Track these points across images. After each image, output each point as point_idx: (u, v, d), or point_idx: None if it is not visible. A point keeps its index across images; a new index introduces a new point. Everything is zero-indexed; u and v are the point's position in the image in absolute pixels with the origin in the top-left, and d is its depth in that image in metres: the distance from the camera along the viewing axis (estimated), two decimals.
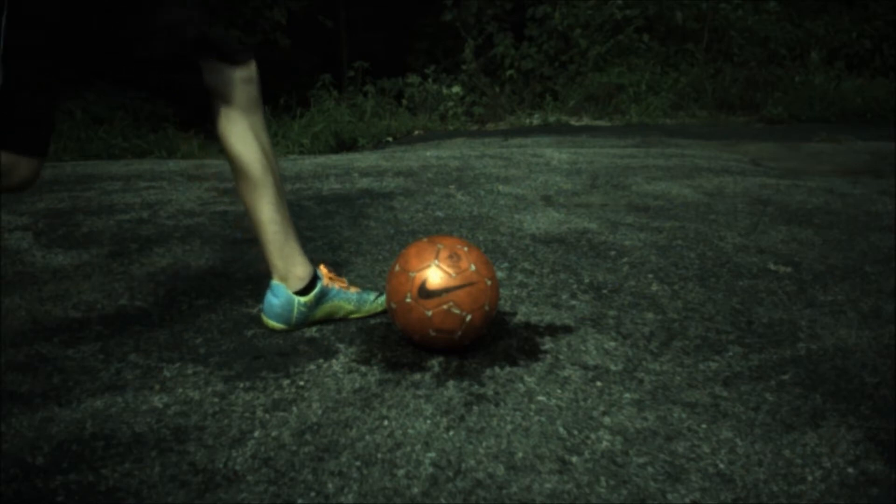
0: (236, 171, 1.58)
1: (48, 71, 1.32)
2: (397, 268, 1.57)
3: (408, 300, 1.52)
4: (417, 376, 1.50)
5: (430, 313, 1.51)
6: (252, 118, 1.56)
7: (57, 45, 1.31)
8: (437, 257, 1.53)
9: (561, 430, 1.34)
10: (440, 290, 1.51)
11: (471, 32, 8.89)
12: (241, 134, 1.55)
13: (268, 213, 1.59)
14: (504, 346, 1.64)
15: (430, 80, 7.88)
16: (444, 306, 1.51)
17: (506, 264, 2.16)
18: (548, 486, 1.18)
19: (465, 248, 1.57)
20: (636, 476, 1.21)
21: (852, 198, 3.19)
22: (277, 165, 1.62)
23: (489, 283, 1.56)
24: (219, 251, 2.19)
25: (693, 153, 4.49)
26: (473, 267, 1.54)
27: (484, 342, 1.65)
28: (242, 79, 1.54)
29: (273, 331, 1.67)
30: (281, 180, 1.62)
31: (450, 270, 1.52)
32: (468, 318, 1.52)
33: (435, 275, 1.52)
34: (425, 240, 1.61)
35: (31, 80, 1.28)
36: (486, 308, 1.55)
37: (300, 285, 1.63)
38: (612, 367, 1.57)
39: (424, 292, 1.51)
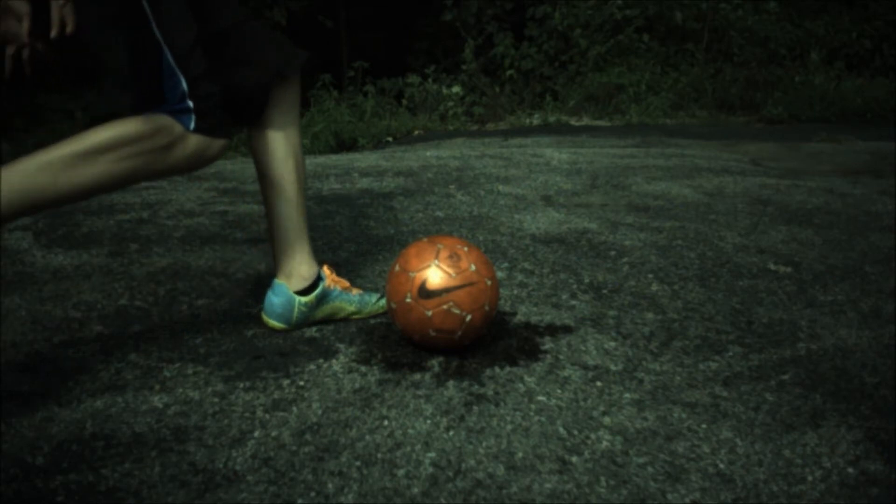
0: (260, 165, 1.59)
1: (209, 61, 1.37)
2: (397, 268, 1.57)
3: (408, 300, 1.52)
4: (417, 376, 1.50)
5: (430, 313, 1.51)
6: (288, 116, 1.59)
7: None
8: (437, 257, 1.53)
9: (561, 430, 1.34)
10: (440, 290, 1.51)
11: (471, 32, 8.89)
12: (274, 130, 1.57)
13: (284, 210, 1.60)
14: (504, 346, 1.64)
15: (430, 80, 7.88)
16: (444, 306, 1.51)
17: (506, 264, 2.16)
18: (548, 486, 1.18)
19: (465, 248, 1.57)
20: (636, 476, 1.21)
21: (852, 198, 3.19)
22: (304, 165, 1.64)
23: (489, 283, 1.56)
24: (219, 251, 2.19)
25: (693, 153, 4.49)
26: (473, 267, 1.54)
27: (484, 342, 1.65)
28: (289, 81, 1.57)
29: (273, 330, 1.67)
30: (305, 180, 1.64)
31: (450, 270, 1.52)
32: (468, 318, 1.52)
33: (435, 275, 1.52)
34: (425, 240, 1.60)
35: (202, 70, 1.35)
36: (486, 308, 1.55)
37: (303, 285, 1.63)
38: (612, 367, 1.57)
39: (424, 292, 1.51)
